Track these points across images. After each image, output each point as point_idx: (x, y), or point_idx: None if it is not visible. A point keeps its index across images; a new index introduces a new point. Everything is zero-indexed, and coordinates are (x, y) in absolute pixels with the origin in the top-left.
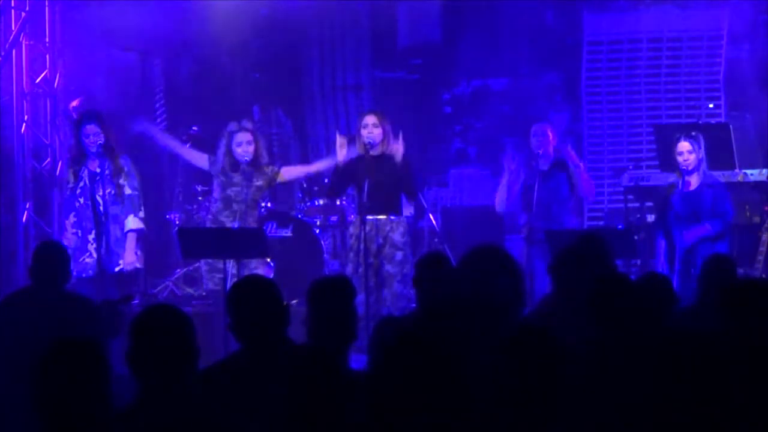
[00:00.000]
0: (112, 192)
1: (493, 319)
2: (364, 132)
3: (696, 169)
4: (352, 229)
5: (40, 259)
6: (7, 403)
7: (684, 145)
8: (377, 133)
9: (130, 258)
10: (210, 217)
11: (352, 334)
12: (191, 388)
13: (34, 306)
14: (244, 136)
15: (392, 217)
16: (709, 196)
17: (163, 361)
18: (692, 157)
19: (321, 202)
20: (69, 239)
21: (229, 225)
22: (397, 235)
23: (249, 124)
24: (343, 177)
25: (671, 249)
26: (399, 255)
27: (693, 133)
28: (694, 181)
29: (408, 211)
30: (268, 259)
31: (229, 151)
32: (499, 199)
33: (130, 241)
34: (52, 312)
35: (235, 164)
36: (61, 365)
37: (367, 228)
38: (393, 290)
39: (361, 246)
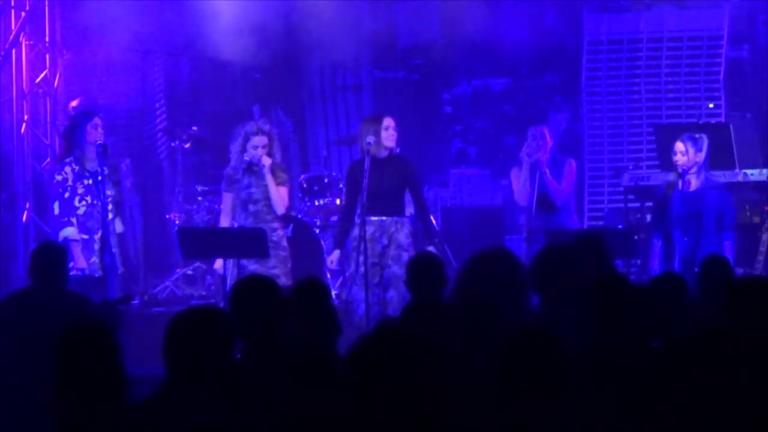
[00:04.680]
0: (112, 193)
1: (494, 320)
2: (385, 134)
3: (690, 170)
4: (356, 230)
5: (39, 259)
6: (9, 401)
7: (678, 146)
8: (395, 134)
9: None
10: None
11: (335, 328)
12: (202, 386)
13: (34, 306)
14: (260, 140)
15: (396, 218)
16: (713, 198)
17: (189, 361)
18: (684, 158)
19: (321, 202)
20: (73, 233)
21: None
22: (402, 236)
23: (266, 126)
24: (355, 185)
25: (669, 249)
26: (405, 256)
27: (696, 135)
28: (693, 182)
29: (409, 210)
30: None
31: (243, 151)
32: (520, 193)
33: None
34: (52, 312)
35: (247, 165)
36: (77, 346)
37: (372, 229)
38: (400, 291)
39: (371, 245)
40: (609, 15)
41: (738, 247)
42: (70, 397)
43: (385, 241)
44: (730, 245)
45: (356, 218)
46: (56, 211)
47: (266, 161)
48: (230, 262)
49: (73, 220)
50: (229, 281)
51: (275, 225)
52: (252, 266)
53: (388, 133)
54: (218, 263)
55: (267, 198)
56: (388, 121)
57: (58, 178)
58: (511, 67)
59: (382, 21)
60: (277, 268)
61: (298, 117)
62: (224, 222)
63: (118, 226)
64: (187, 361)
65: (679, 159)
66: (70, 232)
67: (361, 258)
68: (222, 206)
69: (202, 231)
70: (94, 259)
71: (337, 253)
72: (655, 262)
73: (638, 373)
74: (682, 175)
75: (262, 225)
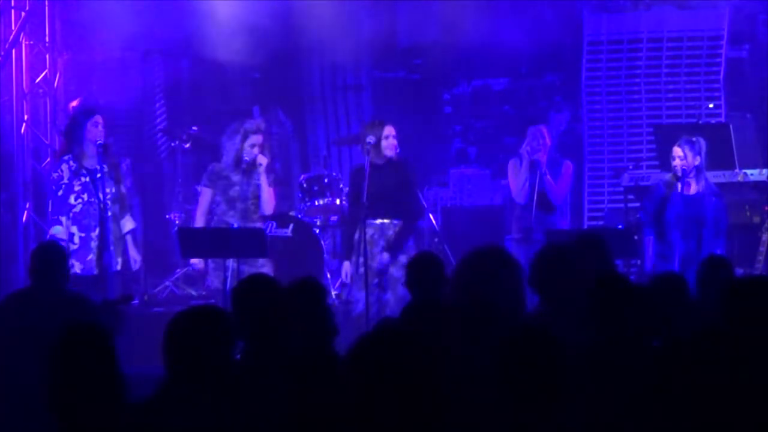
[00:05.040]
0: (113, 191)
1: (493, 319)
2: (385, 143)
3: (689, 174)
4: (357, 233)
5: (39, 260)
6: (9, 401)
7: (676, 151)
8: (395, 143)
9: (136, 256)
10: (215, 218)
11: (332, 329)
12: (202, 386)
13: (34, 306)
14: (257, 139)
15: (396, 221)
16: (712, 205)
17: (189, 361)
18: (684, 163)
19: (321, 202)
20: (64, 233)
21: (235, 224)
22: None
23: (263, 125)
24: (359, 192)
25: (666, 249)
26: (403, 258)
27: (693, 139)
28: (693, 185)
29: None
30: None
31: (241, 148)
32: (518, 190)
33: (131, 241)
34: (52, 312)
35: (239, 162)
36: (75, 350)
37: (371, 231)
38: (397, 294)
39: (370, 247)
40: (609, 15)
41: (738, 247)
42: (68, 401)
43: (384, 244)
44: (722, 251)
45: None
46: (50, 209)
47: (263, 160)
48: (230, 263)
49: (62, 219)
50: (230, 281)
51: (260, 224)
52: (241, 266)
53: (388, 142)
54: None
55: (256, 197)
56: (389, 130)
57: (54, 175)
58: (511, 67)
59: (382, 21)
60: (266, 267)
61: (298, 117)
62: (200, 219)
63: (128, 223)
64: (187, 361)
65: (677, 164)
66: (57, 231)
67: (361, 259)
68: (200, 202)
69: (202, 231)
70: (91, 256)
71: (347, 264)
72: (650, 259)
73: (638, 373)
74: (682, 178)
75: (248, 223)
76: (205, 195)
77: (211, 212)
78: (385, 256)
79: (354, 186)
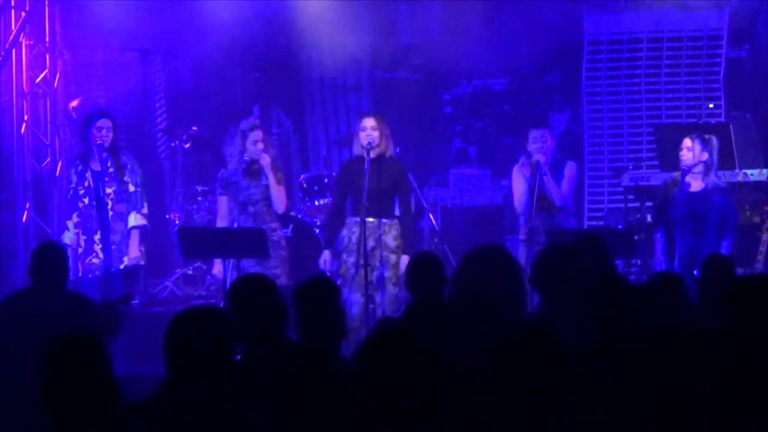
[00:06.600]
0: (117, 190)
1: (493, 319)
2: (362, 134)
3: (693, 168)
4: (345, 231)
5: (39, 260)
6: (9, 401)
7: (686, 142)
8: (375, 135)
9: (133, 253)
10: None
11: (341, 330)
12: (202, 386)
13: (34, 306)
14: (257, 135)
15: (384, 220)
16: (718, 200)
17: (189, 361)
18: (689, 155)
19: (321, 202)
20: (71, 239)
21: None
22: (390, 239)
23: (258, 121)
24: (344, 185)
25: (670, 246)
26: (393, 258)
27: (706, 136)
28: (697, 182)
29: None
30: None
31: (243, 151)
32: (519, 199)
33: (134, 238)
34: (52, 312)
35: (247, 165)
36: (66, 359)
37: (358, 230)
38: (389, 293)
39: (359, 247)
40: (609, 15)
41: (738, 247)
42: (61, 407)
43: (372, 243)
44: (728, 246)
45: (346, 219)
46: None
47: (266, 159)
48: (230, 264)
49: (69, 224)
50: (229, 282)
51: (274, 225)
52: (253, 267)
53: (365, 134)
54: (217, 268)
55: (266, 198)
56: (365, 121)
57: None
58: (511, 67)
59: (382, 21)
60: (278, 268)
61: (298, 117)
62: (221, 225)
63: (132, 219)
64: (187, 361)
65: (684, 155)
66: (65, 237)
67: (351, 259)
68: (219, 211)
69: (202, 231)
70: (91, 258)
71: (327, 253)
72: (659, 258)
73: (638, 374)
74: (684, 173)
75: (261, 225)
76: (222, 203)
77: (206, 209)
78: (405, 258)
79: (341, 180)
